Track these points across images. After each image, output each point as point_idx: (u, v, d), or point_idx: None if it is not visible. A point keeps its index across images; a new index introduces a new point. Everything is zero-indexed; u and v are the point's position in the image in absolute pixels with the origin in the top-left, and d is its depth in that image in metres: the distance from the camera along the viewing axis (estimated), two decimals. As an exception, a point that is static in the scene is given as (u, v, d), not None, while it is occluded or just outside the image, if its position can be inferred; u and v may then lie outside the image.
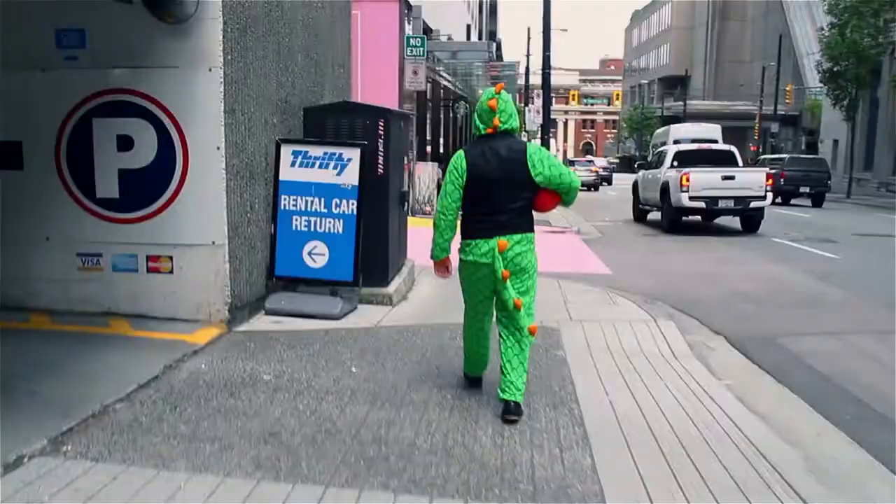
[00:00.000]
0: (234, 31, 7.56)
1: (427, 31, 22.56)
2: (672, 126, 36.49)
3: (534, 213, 5.65)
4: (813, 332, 9.27)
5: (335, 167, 8.42)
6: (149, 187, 7.42)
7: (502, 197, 5.40)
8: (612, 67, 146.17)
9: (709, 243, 17.96)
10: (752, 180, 19.94)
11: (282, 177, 8.46)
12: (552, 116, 28.29)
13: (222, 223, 7.39)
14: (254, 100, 8.07)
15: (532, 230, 5.58)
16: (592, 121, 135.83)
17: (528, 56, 56.40)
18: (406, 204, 10.08)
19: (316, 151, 8.47)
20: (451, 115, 33.31)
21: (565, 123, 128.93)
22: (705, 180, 19.61)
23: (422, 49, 19.58)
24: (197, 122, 7.33)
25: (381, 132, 8.82)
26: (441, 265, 5.98)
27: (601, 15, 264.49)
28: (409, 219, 20.49)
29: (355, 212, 8.39)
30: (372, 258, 8.81)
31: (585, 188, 46.29)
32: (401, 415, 5.50)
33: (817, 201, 34.02)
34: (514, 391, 5.46)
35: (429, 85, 26.75)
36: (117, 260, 7.53)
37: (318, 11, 10.27)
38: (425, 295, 9.97)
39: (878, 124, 45.25)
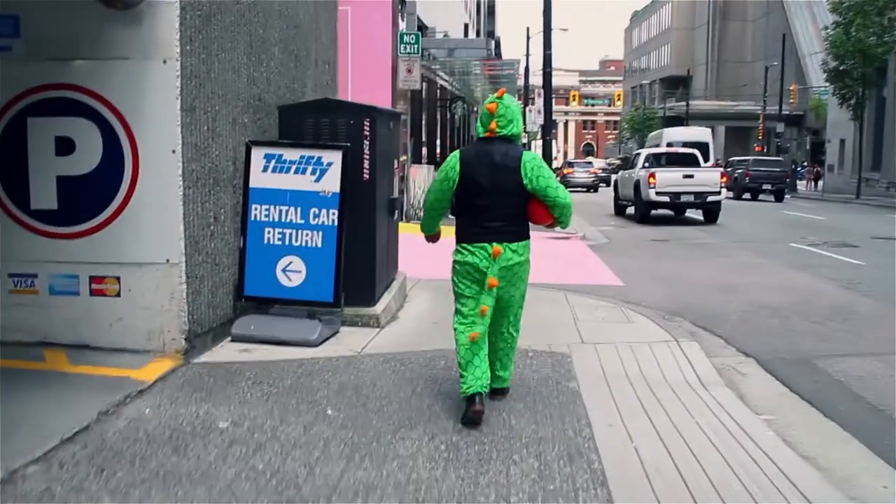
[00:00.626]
0: (194, 18, 6.55)
1: (422, 28, 21.57)
2: (665, 129, 39.45)
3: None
4: (852, 351, 8.25)
5: (313, 172, 7.41)
6: (92, 197, 6.38)
7: (495, 203, 5.37)
8: (613, 68, 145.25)
9: (721, 250, 16.95)
10: (709, 178, 23.42)
11: (252, 183, 7.45)
12: (552, 118, 27.25)
13: (178, 238, 6.37)
14: (220, 97, 7.07)
15: (527, 237, 5.57)
16: (593, 122, 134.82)
17: (527, 56, 55.38)
18: (397, 212, 9.07)
19: (291, 155, 7.46)
20: (448, 115, 32.32)
21: (566, 124, 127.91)
22: (669, 178, 22.84)
23: (416, 46, 18.56)
24: (149, 121, 6.32)
25: (367, 132, 7.81)
26: (431, 237, 6.12)
27: (600, 16, 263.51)
28: (404, 225, 19.45)
29: (336, 223, 7.37)
30: (357, 274, 7.80)
31: (584, 189, 45.63)
32: (383, 474, 4.47)
33: (778, 197, 38.93)
34: (500, 382, 5.84)
35: (424, 84, 25.73)
36: (55, 281, 6.48)
37: (297, 1, 9.27)
38: (418, 312, 8.97)
39: (886, 123, 44.25)
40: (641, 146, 59.18)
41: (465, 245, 5.48)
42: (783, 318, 9.80)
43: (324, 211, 7.38)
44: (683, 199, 23.04)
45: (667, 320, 9.25)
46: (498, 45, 26.87)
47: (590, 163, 54.92)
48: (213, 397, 5.71)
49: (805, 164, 61.11)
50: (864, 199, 40.08)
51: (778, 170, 40.38)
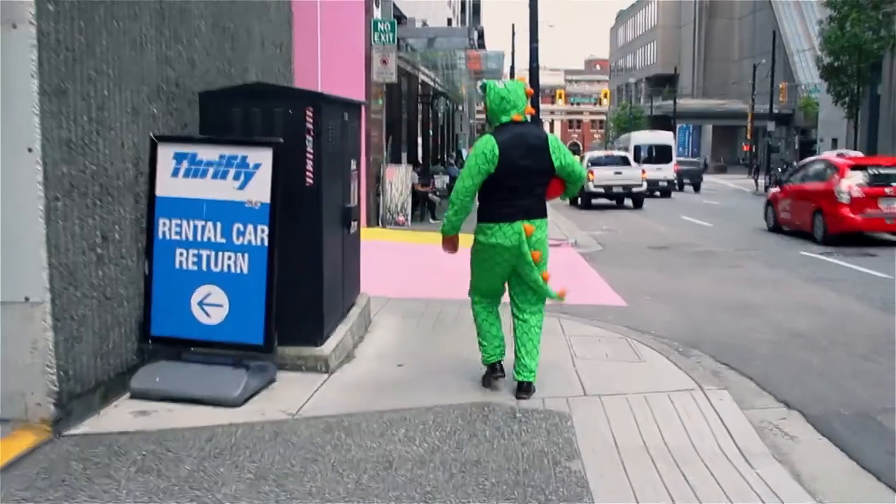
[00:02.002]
0: (67, -31, 4.87)
1: (400, 19, 19.84)
2: (632, 133, 45.16)
3: None
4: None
5: (237, 177, 5.73)
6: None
7: (529, 183, 5.60)
8: (598, 67, 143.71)
9: (727, 259, 15.33)
10: (633, 175, 29.94)
11: (159, 191, 5.76)
12: (540, 116, 25.61)
13: (41, 267, 4.68)
14: (111, 77, 5.37)
15: (547, 214, 5.86)
16: (579, 121, 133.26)
17: (512, 54, 53.82)
18: (355, 223, 7.38)
19: (209, 154, 5.77)
20: (430, 112, 30.64)
21: (551, 124, 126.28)
22: (604, 175, 29.56)
23: (391, 35, 16.87)
24: (-5, 108, 4.63)
25: (311, 125, 6.13)
26: (449, 241, 6.04)
27: (585, 14, 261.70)
28: (379, 231, 17.82)
29: (267, 242, 5.70)
30: (299, 306, 6.15)
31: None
32: None
33: (697, 189, 44.82)
34: (527, 373, 5.86)
35: (404, 80, 24.04)
36: None
37: (233, -35, 7.60)
38: (382, 347, 7.30)
39: (881, 122, 42.84)
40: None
41: (490, 224, 5.62)
42: (821, 350, 8.18)
43: (250, 227, 5.71)
44: (615, 190, 29.69)
45: (683, 355, 7.63)
46: (482, 36, 25.15)
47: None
48: (75, 495, 4.02)
49: (794, 163, 59.62)
50: (859, 199, 38.56)
51: (696, 168, 47.60)
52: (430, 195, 19.20)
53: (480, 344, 6.00)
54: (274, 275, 5.69)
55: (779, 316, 9.77)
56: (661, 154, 37.95)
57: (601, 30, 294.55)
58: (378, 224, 18.07)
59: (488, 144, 5.54)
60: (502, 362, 6.01)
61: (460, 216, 5.78)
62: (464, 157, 43.86)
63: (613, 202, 30.38)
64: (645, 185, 30.31)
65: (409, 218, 18.59)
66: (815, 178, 18.80)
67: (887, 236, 17.76)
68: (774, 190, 22.22)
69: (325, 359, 6.33)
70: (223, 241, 5.71)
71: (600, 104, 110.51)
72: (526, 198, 5.59)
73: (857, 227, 17.09)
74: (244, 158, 5.73)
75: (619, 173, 29.79)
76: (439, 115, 33.67)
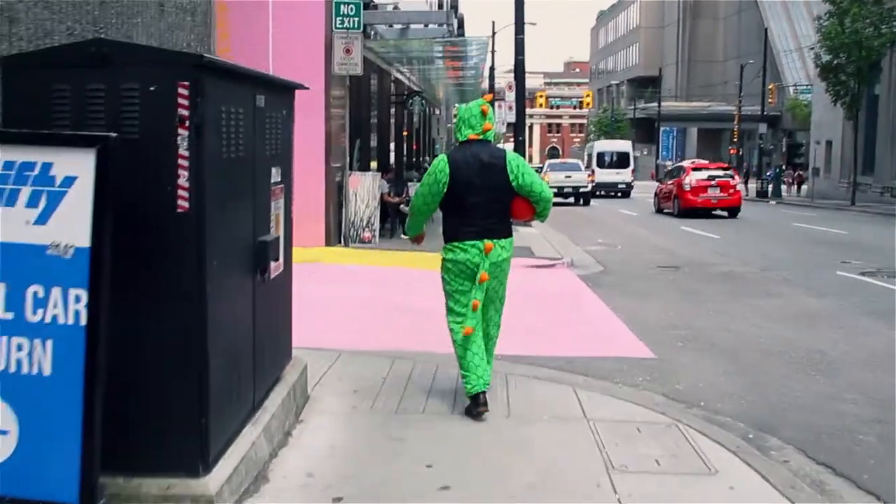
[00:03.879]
0: None
1: (368, 4, 17.28)
2: (595, 142, 52.07)
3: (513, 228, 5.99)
4: None
5: (33, 201, 3.22)
6: None
7: (486, 201, 5.61)
8: (578, 70, 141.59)
9: (757, 283, 12.89)
10: (581, 178, 36.59)
11: None
12: (525, 115, 23.12)
13: None
14: None
15: (511, 234, 5.86)
16: (558, 125, 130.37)
17: (493, 53, 51.33)
18: (274, 264, 4.85)
19: (-18, 160, 3.25)
20: (404, 114, 28.09)
21: (530, 127, 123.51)
22: (556, 177, 35.01)
23: (356, 20, 14.30)
24: None
25: (187, 112, 3.61)
26: (416, 238, 6.32)
27: (565, 16, 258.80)
28: (341, 251, 15.24)
29: (86, 318, 3.18)
30: (164, 410, 3.67)
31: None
32: None
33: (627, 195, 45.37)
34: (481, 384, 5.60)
35: (374, 76, 21.50)
36: None
37: None
38: (316, 458, 4.75)
39: (879, 123, 40.65)
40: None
41: (456, 243, 5.63)
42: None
43: (56, 292, 3.19)
44: (566, 190, 35.64)
45: (764, 455, 5.17)
46: (462, 25, 22.64)
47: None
48: None
49: (783, 166, 57.39)
50: (861, 205, 36.38)
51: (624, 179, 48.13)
52: (401, 207, 16.64)
53: (463, 375, 5.65)
54: (99, 375, 3.18)
55: (864, 375, 7.33)
56: (620, 160, 45.29)
57: (581, 31, 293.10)
58: (340, 242, 15.49)
59: (440, 164, 5.66)
60: (486, 393, 5.59)
61: (418, 223, 6.08)
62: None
63: (570, 200, 36.43)
64: (590, 186, 37.57)
65: (378, 234, 16.01)
66: (674, 176, 29.98)
67: (720, 212, 27.76)
68: (656, 186, 33.40)
69: (208, 500, 3.80)
70: (8, 317, 3.19)
71: (581, 107, 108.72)
72: (487, 217, 5.62)
73: (695, 204, 27.48)
74: (46, 168, 3.21)
75: (569, 176, 36.60)
76: (414, 116, 31.14)
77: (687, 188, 27.57)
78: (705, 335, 8.84)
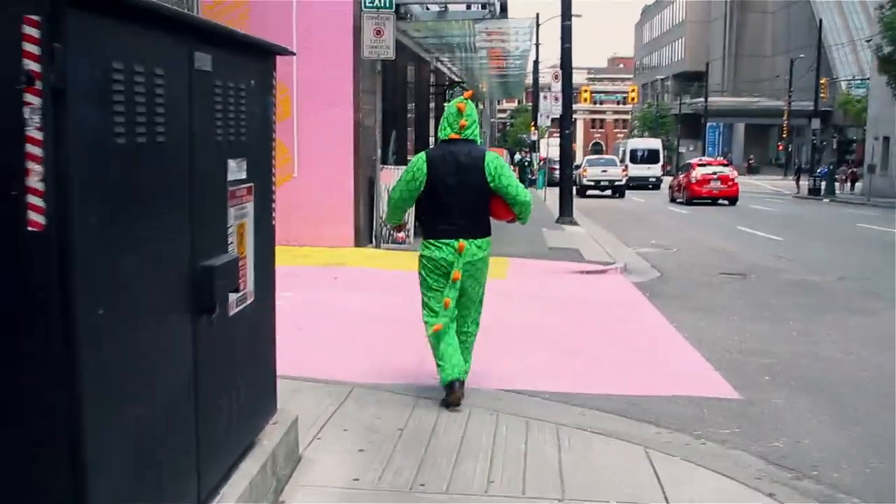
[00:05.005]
0: None
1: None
2: (628, 140, 60.16)
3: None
4: None
5: None
6: None
7: (462, 201, 5.65)
8: (621, 66, 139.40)
9: (844, 299, 11.31)
10: (616, 172, 40.23)
11: None
12: (572, 107, 21.61)
13: None
14: None
15: (489, 234, 5.85)
16: (602, 120, 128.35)
17: (537, 45, 49.75)
18: (236, 297, 3.51)
19: None
20: (444, 106, 26.74)
21: (574, 123, 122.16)
22: (593, 172, 39.95)
23: (388, -1, 13.03)
24: None
25: (39, 69, 2.20)
26: (397, 227, 6.74)
27: (608, 11, 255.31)
28: (368, 254, 13.83)
29: None
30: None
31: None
32: None
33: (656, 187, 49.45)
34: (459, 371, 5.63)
35: (412, 65, 20.17)
36: None
37: None
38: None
39: (942, 120, 38.68)
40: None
41: (431, 241, 5.70)
42: None
43: None
44: (602, 183, 39.50)
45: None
46: (505, 8, 21.13)
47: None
48: None
49: (836, 162, 55.21)
50: (924, 207, 34.45)
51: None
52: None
53: (438, 365, 5.67)
54: None
55: None
56: (651, 156, 50.39)
57: (625, 27, 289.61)
58: (371, 242, 14.17)
59: (418, 161, 5.73)
60: (463, 382, 5.66)
61: (396, 215, 6.08)
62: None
63: (607, 193, 39.48)
64: (625, 179, 41.04)
65: (412, 234, 14.65)
66: (684, 171, 35.56)
67: (721, 201, 32.90)
68: (671, 180, 38.62)
69: None
70: None
71: (625, 103, 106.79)
72: (463, 216, 5.65)
73: (700, 194, 32.68)
74: None
75: (605, 171, 40.22)
76: (455, 108, 29.75)
77: (693, 181, 33.09)
78: (793, 365, 7.38)
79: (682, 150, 78.08)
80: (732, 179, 33.37)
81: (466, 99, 5.78)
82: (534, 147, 44.34)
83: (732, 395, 6.35)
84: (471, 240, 5.64)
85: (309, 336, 7.73)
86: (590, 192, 39.37)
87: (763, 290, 11.50)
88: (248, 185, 3.71)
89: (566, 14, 20.64)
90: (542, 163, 40.31)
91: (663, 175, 50.41)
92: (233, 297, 3.40)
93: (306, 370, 6.25)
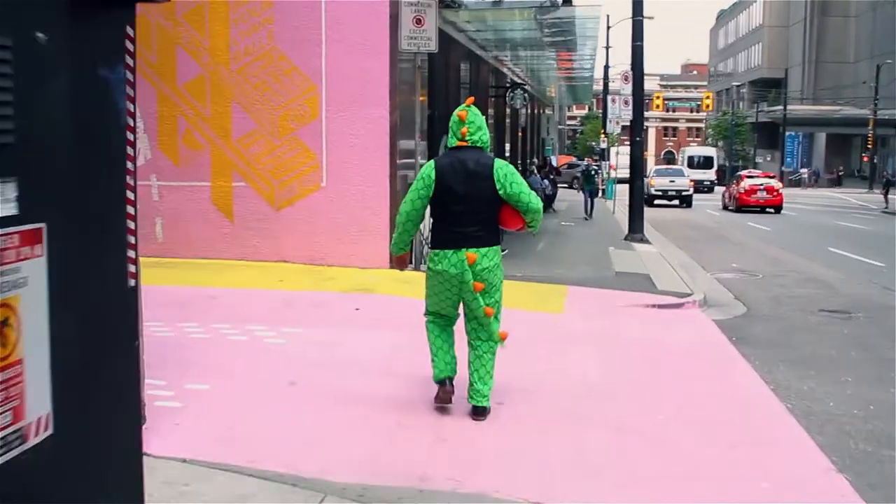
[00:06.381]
0: None
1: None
2: (686, 148, 65.22)
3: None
4: None
5: None
6: None
7: (471, 209, 5.57)
8: (695, 72, 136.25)
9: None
10: (683, 182, 40.92)
11: None
12: (643, 112, 19.53)
13: None
14: None
15: (498, 243, 5.78)
16: (674, 128, 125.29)
17: (606, 48, 47.72)
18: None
19: None
20: (505, 110, 24.88)
21: (645, 131, 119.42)
22: (661, 182, 40.66)
23: (431, -18, 11.22)
24: None
25: None
26: (398, 259, 6.16)
27: (681, 17, 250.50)
28: (408, 276, 11.45)
29: None
30: None
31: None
32: None
33: (710, 190, 53.82)
34: (479, 397, 5.68)
35: (466, 64, 18.37)
36: None
37: None
38: None
39: None
40: (730, 155, 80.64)
41: (439, 251, 5.64)
42: None
43: None
44: (670, 193, 39.90)
45: None
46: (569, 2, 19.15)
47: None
48: None
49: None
50: None
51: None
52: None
53: (432, 361, 5.79)
54: None
55: None
56: (706, 162, 56.29)
57: (699, 32, 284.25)
58: (409, 263, 12.27)
59: (428, 168, 5.69)
60: (453, 379, 5.77)
61: (404, 238, 5.89)
62: (554, 165, 38.21)
63: (675, 202, 40.03)
64: (692, 189, 41.18)
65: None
66: (734, 182, 38.55)
67: (769, 209, 35.25)
68: (723, 190, 41.79)
69: None
70: None
71: (699, 111, 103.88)
72: (470, 225, 5.56)
73: (748, 203, 35.41)
74: None
75: (672, 181, 40.83)
76: (518, 112, 27.87)
77: (742, 191, 36.00)
78: (948, 461, 5.38)
79: (759, 160, 75.09)
80: (777, 190, 36.19)
81: (468, 106, 5.70)
82: (603, 155, 42.22)
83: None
84: (478, 249, 5.56)
85: (298, 396, 6.03)
86: (658, 200, 39.55)
87: (878, 336, 9.39)
88: (24, 228, 1.93)
89: (637, 10, 18.63)
90: (611, 172, 38.11)
91: (716, 179, 56.98)
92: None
93: (275, 457, 4.53)
